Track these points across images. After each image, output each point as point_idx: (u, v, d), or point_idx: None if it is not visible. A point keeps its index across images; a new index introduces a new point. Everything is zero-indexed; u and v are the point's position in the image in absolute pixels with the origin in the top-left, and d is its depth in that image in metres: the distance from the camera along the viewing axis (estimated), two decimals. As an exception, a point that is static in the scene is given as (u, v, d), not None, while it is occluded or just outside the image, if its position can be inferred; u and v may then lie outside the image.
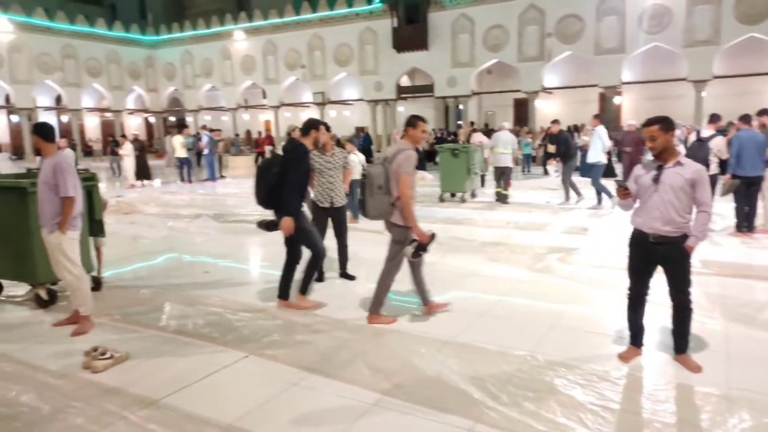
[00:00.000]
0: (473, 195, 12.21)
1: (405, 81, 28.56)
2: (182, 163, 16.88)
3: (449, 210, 10.66)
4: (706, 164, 7.57)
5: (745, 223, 7.35)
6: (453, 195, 11.89)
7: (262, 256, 7.80)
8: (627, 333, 3.91)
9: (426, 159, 21.28)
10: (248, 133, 34.04)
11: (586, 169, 10.78)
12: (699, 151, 7.60)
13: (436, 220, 9.59)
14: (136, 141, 16.94)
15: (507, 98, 27.66)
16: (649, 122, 3.61)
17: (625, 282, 3.87)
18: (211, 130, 18.33)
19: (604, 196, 10.19)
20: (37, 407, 3.34)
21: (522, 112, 26.67)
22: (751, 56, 20.95)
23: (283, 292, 5.04)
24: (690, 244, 3.52)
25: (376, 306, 4.59)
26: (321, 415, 3.23)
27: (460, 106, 27.13)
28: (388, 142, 26.61)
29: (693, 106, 21.34)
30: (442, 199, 11.82)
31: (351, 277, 5.97)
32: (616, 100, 24.35)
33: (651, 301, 3.84)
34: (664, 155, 3.55)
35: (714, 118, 8.16)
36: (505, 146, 11.19)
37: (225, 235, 8.77)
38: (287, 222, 4.66)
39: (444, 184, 11.87)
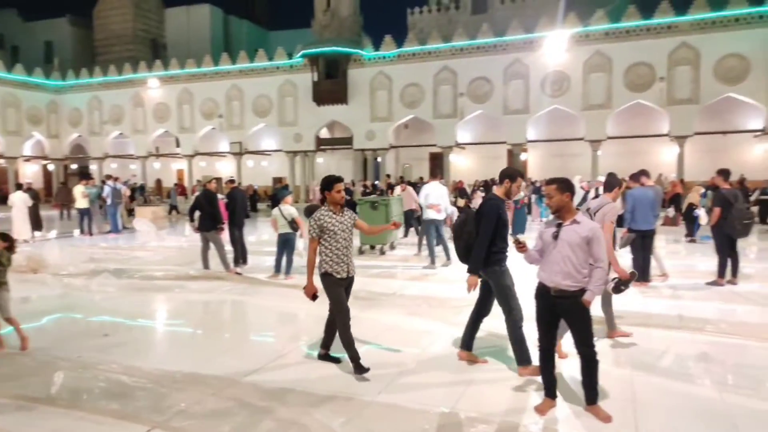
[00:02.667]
0: (392, 247, 12.29)
1: (324, 133, 28.89)
2: (83, 214, 15.75)
3: (369, 263, 10.62)
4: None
5: (641, 273, 7.86)
6: (372, 247, 11.90)
7: (168, 314, 7.31)
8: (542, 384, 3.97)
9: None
10: (158, 182, 32.71)
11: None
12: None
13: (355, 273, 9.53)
14: (29, 190, 15.61)
15: (423, 152, 28.67)
16: (548, 182, 3.87)
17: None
18: (115, 179, 17.35)
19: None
20: None
21: (437, 165, 27.61)
22: (639, 119, 23.25)
23: (467, 344, 4.91)
24: (587, 298, 3.68)
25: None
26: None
27: (378, 159, 27.73)
28: (307, 194, 26.49)
29: (590, 163, 23.14)
30: (361, 252, 11.79)
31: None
32: (523, 156, 25.94)
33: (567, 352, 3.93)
34: (561, 213, 3.74)
35: (611, 177, 8.80)
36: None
37: (128, 292, 8.15)
38: (471, 280, 4.53)
39: (363, 237, 11.87)
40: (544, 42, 23.11)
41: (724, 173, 8.18)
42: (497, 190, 4.64)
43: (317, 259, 4.69)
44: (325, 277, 4.65)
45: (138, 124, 31.04)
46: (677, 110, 21.79)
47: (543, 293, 3.82)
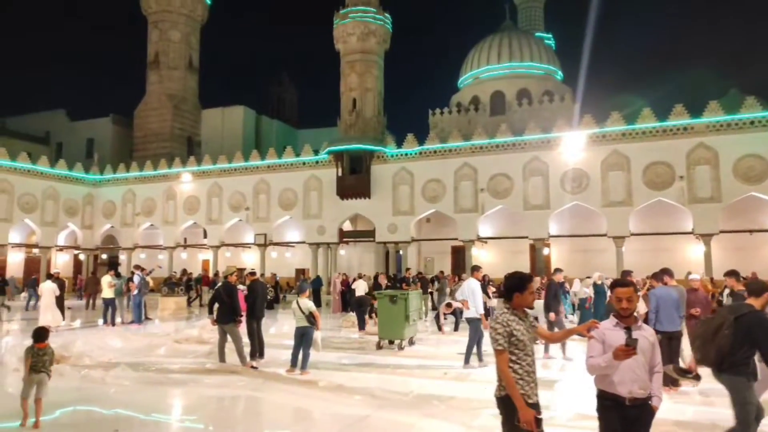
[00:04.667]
0: (411, 342, 12.06)
1: (347, 226, 29.40)
2: (107, 304, 15.97)
3: (387, 358, 10.41)
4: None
5: (669, 377, 7.53)
6: (391, 342, 11.70)
7: (184, 409, 7.18)
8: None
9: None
10: (184, 271, 33.18)
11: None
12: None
13: (373, 369, 9.32)
14: (57, 279, 15.96)
15: (445, 245, 28.80)
16: (622, 284, 3.68)
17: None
18: (141, 269, 17.72)
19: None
20: None
21: (459, 259, 27.69)
22: (662, 217, 23.20)
23: None
24: (655, 404, 3.57)
25: None
26: None
27: (400, 252, 27.89)
28: (329, 284, 26.50)
29: (615, 259, 22.88)
30: (380, 347, 11.59)
31: None
32: (545, 251, 25.82)
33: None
34: (630, 318, 3.60)
35: (625, 274, 8.73)
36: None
37: (144, 386, 8.08)
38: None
39: (382, 332, 11.73)
40: (561, 141, 23.79)
41: (735, 274, 8.07)
42: (755, 302, 4.52)
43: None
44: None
45: (168, 216, 32.14)
46: (700, 208, 21.76)
47: (617, 404, 3.52)
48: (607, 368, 3.51)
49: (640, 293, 8.15)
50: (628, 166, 22.89)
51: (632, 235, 23.00)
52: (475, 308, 9.32)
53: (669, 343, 7.50)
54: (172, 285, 20.70)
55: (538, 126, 25.14)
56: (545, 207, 24.18)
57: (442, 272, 23.49)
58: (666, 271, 8.23)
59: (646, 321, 7.72)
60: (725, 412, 6.52)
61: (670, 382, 7.52)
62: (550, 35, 51.30)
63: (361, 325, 14.96)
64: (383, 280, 18.06)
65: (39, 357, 5.95)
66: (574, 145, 23.42)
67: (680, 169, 22.07)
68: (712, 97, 22.91)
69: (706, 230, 21.73)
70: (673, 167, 22.20)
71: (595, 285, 13.40)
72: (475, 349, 9.46)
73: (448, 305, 15.09)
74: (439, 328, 15.11)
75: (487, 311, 18.71)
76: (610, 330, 3.57)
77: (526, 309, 3.82)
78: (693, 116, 22.21)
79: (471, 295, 9.37)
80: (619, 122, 23.34)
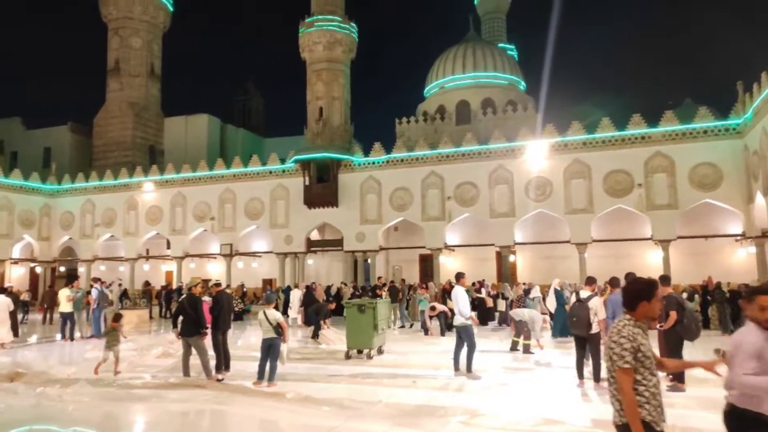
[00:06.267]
0: (380, 351, 12.04)
1: (315, 235, 29.22)
2: (65, 318, 15.42)
3: (356, 368, 10.35)
4: (589, 324, 8.11)
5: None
6: (360, 351, 11.65)
7: (147, 425, 6.97)
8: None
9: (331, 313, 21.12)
10: (146, 284, 32.38)
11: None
12: (580, 311, 8.19)
13: (341, 379, 9.26)
14: (10, 294, 15.33)
15: (413, 254, 28.90)
16: (763, 291, 3.38)
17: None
18: (101, 282, 17.20)
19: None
20: None
21: (427, 267, 27.83)
22: (622, 223, 23.85)
23: None
24: None
25: None
26: None
27: (369, 260, 27.85)
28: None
29: (578, 266, 23.38)
30: (348, 356, 11.52)
31: None
32: (511, 258, 26.21)
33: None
34: None
35: (590, 281, 8.97)
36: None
37: (104, 402, 7.82)
38: None
39: (350, 341, 11.67)
40: (525, 150, 24.25)
41: (665, 280, 8.48)
42: None
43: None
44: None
45: (130, 227, 31.30)
46: (658, 215, 22.47)
47: (759, 423, 3.19)
48: (761, 390, 3.15)
49: (601, 299, 8.35)
50: (590, 174, 23.49)
51: (594, 241, 23.56)
52: (459, 313, 9.22)
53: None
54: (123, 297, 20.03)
55: (502, 135, 25.57)
56: (510, 215, 24.57)
57: (403, 280, 23.61)
58: (627, 277, 8.48)
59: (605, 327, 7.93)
60: (683, 414, 6.72)
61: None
62: (512, 46, 52.39)
63: (316, 333, 14.96)
64: (319, 293, 18.23)
65: None
66: (537, 154, 23.90)
67: (639, 177, 22.77)
68: (668, 108, 23.76)
69: (664, 236, 22.44)
70: (632, 175, 22.88)
71: (555, 291, 13.67)
72: (463, 358, 9.33)
73: (432, 308, 15.33)
74: (426, 332, 16.02)
75: (491, 315, 19.13)
76: (763, 342, 3.22)
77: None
78: (650, 126, 22.97)
79: (456, 302, 9.32)
80: (580, 132, 23.96)
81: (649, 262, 23.66)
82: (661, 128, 22.72)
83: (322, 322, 15.47)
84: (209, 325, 9.61)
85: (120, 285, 28.83)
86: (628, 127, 23.22)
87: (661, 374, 3.26)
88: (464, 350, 9.37)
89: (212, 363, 9.31)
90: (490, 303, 18.82)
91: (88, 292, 16.61)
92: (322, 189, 27.27)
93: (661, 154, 22.57)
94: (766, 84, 18.14)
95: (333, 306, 17.80)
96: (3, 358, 12.21)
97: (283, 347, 8.77)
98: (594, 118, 24.58)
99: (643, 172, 22.73)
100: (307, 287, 18.97)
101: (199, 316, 9.16)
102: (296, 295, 19.11)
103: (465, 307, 9.30)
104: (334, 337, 14.74)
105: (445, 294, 17.22)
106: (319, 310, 15.58)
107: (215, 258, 30.98)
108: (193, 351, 9.17)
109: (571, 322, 8.42)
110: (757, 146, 19.28)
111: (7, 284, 21.25)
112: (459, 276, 9.73)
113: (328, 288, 22.23)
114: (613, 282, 8.25)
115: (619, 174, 23.05)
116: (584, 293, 8.47)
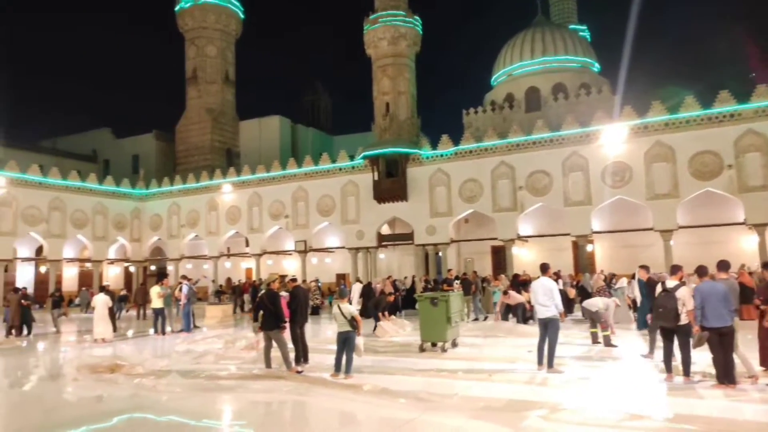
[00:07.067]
0: (454, 344, 11.99)
1: (385, 229, 29.48)
2: (157, 314, 16.50)
3: (430, 361, 10.38)
4: (677, 315, 7.65)
5: (724, 374, 7.25)
6: (434, 344, 11.66)
7: (233, 415, 7.35)
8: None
9: (402, 307, 21.25)
10: (228, 280, 34.01)
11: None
12: (667, 301, 7.74)
13: (416, 372, 9.31)
14: (107, 292, 16.57)
15: (485, 245, 28.51)
16: None
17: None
18: (188, 279, 18.24)
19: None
20: None
21: (500, 258, 27.36)
22: (711, 208, 22.32)
23: None
24: None
25: None
26: None
27: (440, 254, 27.76)
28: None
29: (662, 254, 22.14)
30: (422, 349, 11.56)
31: None
32: (589, 247, 25.23)
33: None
34: None
35: (675, 269, 8.42)
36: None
37: (194, 392, 8.32)
38: None
39: (424, 334, 11.69)
40: (600, 134, 23.23)
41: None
42: None
43: None
44: None
45: (211, 227, 32.98)
46: (751, 197, 20.82)
47: None
48: None
49: (689, 288, 7.86)
50: (673, 157, 22.14)
51: (680, 228, 22.21)
52: (555, 306, 8.82)
53: (720, 340, 7.22)
54: (219, 294, 21.20)
55: (575, 120, 24.62)
56: (586, 203, 23.64)
57: (474, 272, 23.25)
58: (720, 264, 7.95)
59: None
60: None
61: (725, 379, 7.24)
62: (584, 27, 50.26)
63: (375, 326, 15.20)
64: (388, 287, 19.03)
65: None
66: (614, 138, 22.83)
67: (728, 158, 21.21)
68: (751, 83, 21.93)
69: (759, 219, 20.79)
70: (720, 156, 21.35)
71: (640, 282, 12.97)
72: (546, 352, 8.94)
73: (506, 294, 15.12)
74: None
75: (572, 306, 18.64)
76: None
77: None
78: (740, 102, 21.31)
79: (549, 293, 8.87)
80: (662, 112, 22.60)
81: (743, 248, 22.05)
82: (752, 104, 21.03)
83: (381, 314, 15.78)
84: (287, 319, 9.96)
85: (213, 281, 30.49)
86: (714, 105, 21.68)
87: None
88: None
89: (292, 356, 9.65)
90: (572, 294, 18.20)
91: (178, 290, 17.67)
92: (391, 183, 27.45)
93: (753, 132, 20.90)
94: None
95: (392, 299, 18.05)
96: (104, 351, 13.26)
97: (359, 340, 8.94)
98: (677, 100, 23.08)
99: (734, 152, 21.16)
100: (368, 283, 19.88)
101: (278, 310, 9.52)
102: (356, 289, 20.53)
103: (558, 299, 8.88)
104: (391, 329, 14.94)
105: (519, 285, 16.81)
106: (378, 303, 15.93)
107: (291, 254, 32.00)
108: (274, 344, 9.54)
109: (657, 313, 7.98)
110: None
111: (104, 283, 23.03)
112: (545, 267, 9.41)
113: (395, 282, 22.31)
114: (701, 271, 7.73)
115: (706, 155, 21.58)
116: (670, 283, 8.01)
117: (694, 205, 22.39)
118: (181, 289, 17.39)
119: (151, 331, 17.02)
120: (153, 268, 36.40)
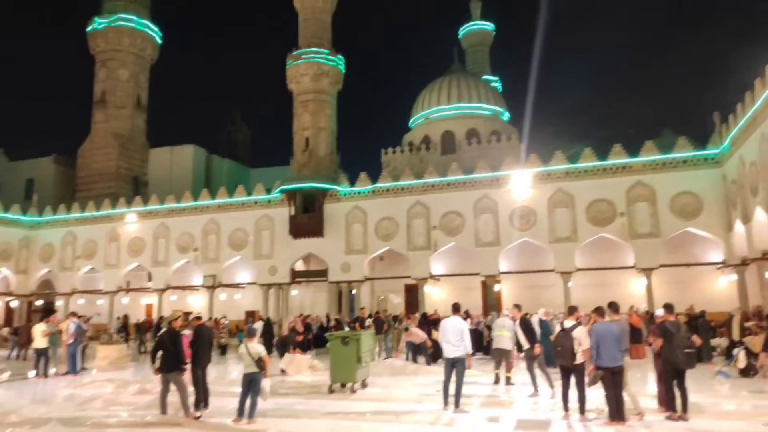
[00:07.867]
0: (364, 385, 11.79)
1: (300, 265, 28.96)
2: (40, 354, 14.93)
3: (339, 403, 10.12)
4: (572, 354, 8.01)
5: (615, 412, 7.64)
6: (343, 385, 11.40)
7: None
8: None
9: (314, 344, 20.76)
10: (125, 317, 31.69)
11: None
12: (564, 340, 8.11)
13: (323, 415, 9.02)
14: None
15: (398, 284, 28.71)
16: None
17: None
18: (79, 316, 16.77)
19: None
20: None
21: (413, 297, 27.62)
22: (605, 252, 23.99)
23: None
24: None
25: None
26: None
27: (353, 291, 27.61)
28: (280, 327, 25.79)
29: (562, 294, 23.37)
30: (331, 390, 11.26)
31: None
32: (496, 287, 26.15)
33: None
34: None
35: (572, 310, 8.93)
36: (500, 329, 11.59)
37: (76, 442, 7.52)
38: None
39: (334, 374, 11.42)
40: (509, 179, 24.47)
41: (668, 308, 8.50)
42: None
43: None
44: None
45: (111, 259, 30.81)
46: (640, 243, 22.66)
47: None
48: None
49: (585, 329, 8.28)
50: (573, 204, 23.72)
51: (578, 270, 23.63)
52: (464, 347, 8.81)
53: (612, 378, 7.63)
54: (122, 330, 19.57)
55: (487, 164, 25.81)
56: (495, 244, 24.62)
57: (385, 310, 23.39)
58: (611, 305, 8.44)
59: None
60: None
61: (617, 416, 7.61)
62: (497, 78, 53.44)
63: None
64: (299, 325, 18.97)
65: None
66: (521, 183, 24.11)
67: (621, 206, 23.03)
68: (648, 138, 24.22)
69: (646, 264, 22.59)
70: (614, 204, 23.15)
71: (540, 321, 13.55)
72: (452, 391, 8.94)
73: (407, 330, 15.14)
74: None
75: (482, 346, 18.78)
76: None
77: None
78: (631, 155, 23.36)
79: (459, 334, 8.85)
80: (563, 161, 24.28)
81: (632, 291, 23.75)
82: (641, 158, 23.12)
83: (292, 349, 15.59)
84: (189, 360, 9.35)
85: (118, 318, 28.14)
86: (609, 157, 23.61)
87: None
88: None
89: (191, 399, 9.03)
90: (488, 336, 18.30)
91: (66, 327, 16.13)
92: (307, 219, 27.17)
93: (642, 184, 22.90)
94: (742, 115, 18.61)
95: (301, 338, 18.15)
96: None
97: (265, 382, 8.54)
98: (577, 149, 24.97)
99: (625, 201, 23.02)
100: (267, 319, 19.87)
101: (179, 350, 8.93)
102: (258, 327, 19.43)
103: (468, 339, 8.92)
104: (303, 362, 14.81)
105: (428, 324, 16.95)
106: (285, 341, 15.73)
107: (197, 290, 30.52)
108: (171, 388, 8.90)
109: (555, 352, 8.33)
110: (735, 175, 19.67)
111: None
112: (456, 307, 9.51)
113: (307, 320, 21.82)
114: (600, 311, 8.19)
115: (602, 203, 23.31)
116: (568, 323, 8.41)
117: (591, 249, 23.98)
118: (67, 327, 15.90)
119: (32, 373, 15.35)
120: (39, 303, 33.20)
